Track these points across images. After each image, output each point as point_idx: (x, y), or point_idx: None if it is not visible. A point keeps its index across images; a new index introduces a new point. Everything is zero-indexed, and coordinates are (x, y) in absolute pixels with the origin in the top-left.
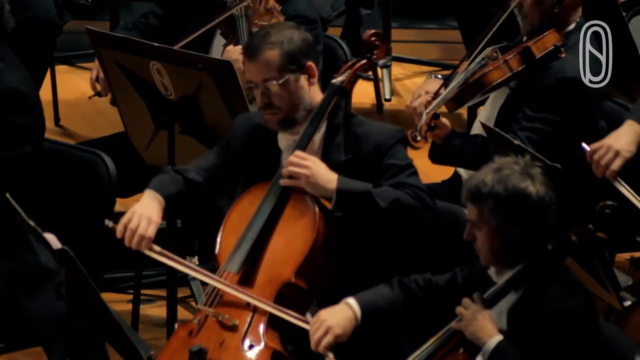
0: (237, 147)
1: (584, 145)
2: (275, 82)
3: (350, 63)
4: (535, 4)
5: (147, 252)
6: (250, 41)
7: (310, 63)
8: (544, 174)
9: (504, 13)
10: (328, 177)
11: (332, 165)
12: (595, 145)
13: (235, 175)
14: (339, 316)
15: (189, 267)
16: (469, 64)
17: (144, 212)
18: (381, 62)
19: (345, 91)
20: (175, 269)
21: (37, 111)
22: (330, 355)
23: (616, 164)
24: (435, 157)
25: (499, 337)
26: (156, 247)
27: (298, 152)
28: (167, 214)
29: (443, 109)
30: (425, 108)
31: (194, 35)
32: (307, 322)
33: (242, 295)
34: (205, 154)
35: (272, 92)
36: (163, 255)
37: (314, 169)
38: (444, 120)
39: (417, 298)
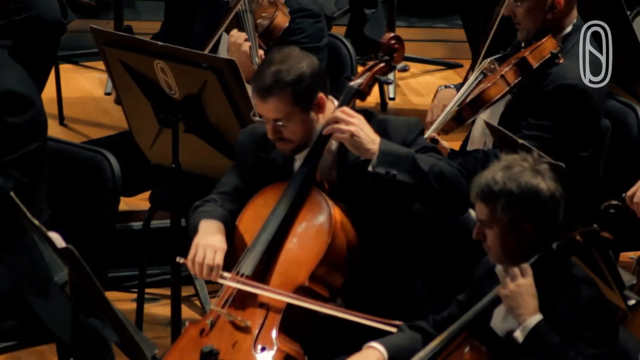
0: (250, 161)
1: (623, 195)
2: (286, 122)
3: (368, 66)
4: (527, 13)
5: (220, 281)
6: (260, 79)
7: (321, 95)
8: (551, 169)
9: (492, 25)
10: (372, 137)
11: (350, 165)
12: (631, 190)
13: (254, 187)
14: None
15: (263, 289)
16: (465, 81)
17: (207, 243)
18: (399, 65)
19: (363, 94)
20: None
21: (35, 108)
22: None
23: None
24: None
25: (539, 316)
26: (226, 274)
27: (344, 108)
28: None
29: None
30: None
31: (212, 42)
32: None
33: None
34: (223, 180)
35: (283, 128)
36: (236, 281)
37: (359, 125)
38: (444, 143)
39: (429, 333)
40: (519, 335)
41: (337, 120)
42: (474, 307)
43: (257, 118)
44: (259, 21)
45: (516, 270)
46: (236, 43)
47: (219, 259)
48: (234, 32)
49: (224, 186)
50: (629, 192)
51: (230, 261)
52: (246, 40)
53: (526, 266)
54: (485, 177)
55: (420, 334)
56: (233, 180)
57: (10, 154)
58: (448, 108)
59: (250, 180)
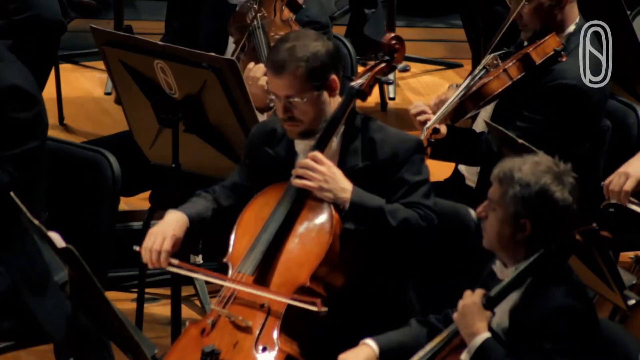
0: (256, 154)
1: (602, 183)
2: (298, 99)
3: (369, 66)
4: (534, 12)
5: (169, 268)
6: (275, 54)
7: (334, 77)
8: (576, 185)
9: (504, 25)
10: (342, 186)
11: (349, 171)
12: (609, 178)
13: (257, 182)
14: (359, 356)
15: (210, 276)
16: (470, 74)
17: (158, 230)
18: (400, 66)
19: (364, 94)
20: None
21: (38, 106)
22: None
23: (628, 185)
24: (437, 154)
25: (485, 335)
26: (174, 261)
27: (316, 154)
28: (198, 229)
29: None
30: (427, 122)
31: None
32: (324, 310)
33: (261, 293)
34: (233, 172)
35: (294, 107)
36: (182, 268)
37: (328, 174)
38: (442, 128)
39: (437, 328)
40: (464, 357)
41: (306, 166)
42: None
43: (270, 96)
44: (271, 40)
45: (467, 292)
46: (255, 77)
47: (167, 245)
48: (251, 64)
49: (229, 179)
50: (607, 181)
51: (231, 261)
52: (265, 74)
53: (479, 290)
54: (513, 162)
55: (428, 328)
56: (235, 175)
57: (8, 150)
58: (450, 100)
59: (253, 175)
